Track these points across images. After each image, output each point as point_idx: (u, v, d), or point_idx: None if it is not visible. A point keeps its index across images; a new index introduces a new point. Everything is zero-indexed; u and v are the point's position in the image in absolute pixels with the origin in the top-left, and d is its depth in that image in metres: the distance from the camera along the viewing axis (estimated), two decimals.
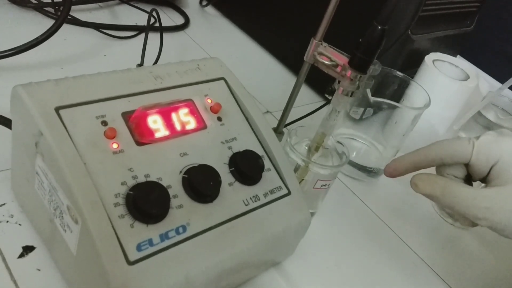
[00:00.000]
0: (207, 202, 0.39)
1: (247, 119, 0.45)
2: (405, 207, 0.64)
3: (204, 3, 0.92)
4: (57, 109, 0.35)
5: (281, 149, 0.46)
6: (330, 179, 0.51)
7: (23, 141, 0.38)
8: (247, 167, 0.42)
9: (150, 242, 0.34)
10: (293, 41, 0.78)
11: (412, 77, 0.69)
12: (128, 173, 0.36)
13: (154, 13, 0.74)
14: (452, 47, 0.87)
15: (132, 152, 0.37)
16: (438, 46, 0.80)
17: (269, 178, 0.44)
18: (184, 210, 0.37)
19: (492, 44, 1.00)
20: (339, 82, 0.47)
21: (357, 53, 0.44)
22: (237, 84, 0.46)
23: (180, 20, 0.84)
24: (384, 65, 0.62)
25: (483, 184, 0.44)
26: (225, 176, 0.41)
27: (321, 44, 0.49)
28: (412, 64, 0.75)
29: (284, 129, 0.58)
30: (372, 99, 0.58)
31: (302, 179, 0.50)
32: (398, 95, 0.66)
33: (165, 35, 0.72)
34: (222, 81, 0.46)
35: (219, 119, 0.43)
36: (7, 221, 0.42)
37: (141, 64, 0.65)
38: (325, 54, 0.48)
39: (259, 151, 0.44)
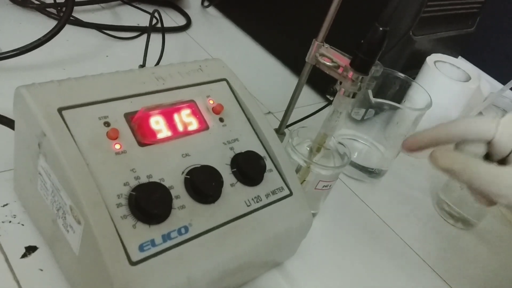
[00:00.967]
0: (209, 203, 0.39)
1: (249, 120, 0.45)
2: (406, 208, 0.64)
3: (206, 4, 0.92)
4: (60, 110, 0.36)
5: (283, 150, 0.46)
6: (332, 180, 0.51)
7: (26, 142, 0.38)
8: (249, 168, 0.42)
9: (153, 243, 0.35)
10: (295, 42, 0.78)
11: (414, 78, 0.69)
12: (131, 174, 0.36)
13: (156, 14, 0.74)
14: (454, 48, 0.87)
15: (134, 153, 0.37)
16: (439, 47, 0.80)
17: (270, 179, 0.44)
18: (186, 211, 0.37)
19: (493, 45, 1.00)
20: (340, 83, 0.47)
21: (359, 54, 0.44)
22: (239, 85, 0.47)
23: (182, 21, 0.84)
24: (385, 66, 0.62)
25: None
26: (227, 177, 0.41)
27: (323, 45, 0.49)
28: (413, 65, 0.75)
29: (286, 130, 0.58)
30: (374, 100, 0.58)
31: (304, 180, 0.50)
32: (399, 96, 0.66)
33: (167, 36, 0.72)
34: (224, 82, 0.46)
35: (221, 120, 0.43)
36: (10, 221, 0.42)
37: (143, 65, 0.65)
38: (326, 55, 0.48)
39: (261, 152, 0.44)
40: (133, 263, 0.33)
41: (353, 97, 0.47)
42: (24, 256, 0.40)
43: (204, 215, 0.38)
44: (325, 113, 0.50)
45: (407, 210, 0.63)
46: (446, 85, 0.68)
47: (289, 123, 0.59)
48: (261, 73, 0.80)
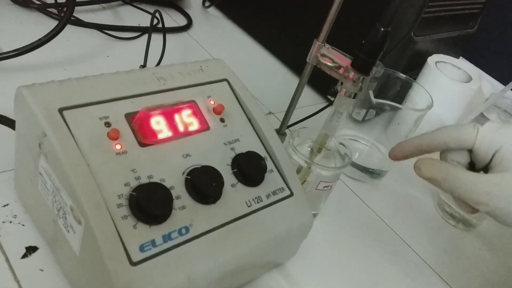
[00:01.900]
0: (210, 203, 0.39)
1: (249, 120, 0.45)
2: (407, 209, 0.64)
3: (207, 4, 0.92)
4: (60, 110, 0.36)
5: (284, 150, 0.46)
6: (333, 180, 0.51)
7: (27, 142, 0.38)
8: (249, 168, 0.42)
9: (153, 243, 0.35)
10: (296, 43, 0.78)
11: (415, 79, 0.69)
12: (131, 174, 0.36)
13: (157, 14, 0.74)
14: (455, 48, 0.87)
15: (135, 153, 0.37)
16: (440, 48, 0.80)
17: (271, 179, 0.44)
18: (187, 211, 0.37)
19: (495, 46, 1.00)
20: (341, 83, 0.47)
21: (360, 55, 0.44)
22: (240, 86, 0.47)
23: (182, 21, 0.84)
24: (386, 66, 0.62)
25: (481, 172, 0.45)
26: (228, 177, 0.41)
27: (324, 45, 0.49)
28: (414, 65, 0.75)
29: (287, 130, 0.58)
30: (375, 100, 0.58)
31: (305, 181, 0.50)
32: (400, 96, 0.66)
33: (168, 36, 0.72)
34: (225, 83, 0.46)
35: (222, 120, 0.43)
36: (11, 222, 0.42)
37: (144, 65, 0.65)
38: (327, 56, 0.48)
39: (262, 153, 0.44)
40: (133, 264, 0.33)
41: (354, 97, 0.47)
42: (24, 256, 0.40)
43: (205, 216, 0.38)
44: (326, 114, 0.50)
45: (408, 211, 0.63)
46: (447, 85, 0.68)
47: (290, 123, 0.59)
48: (262, 74, 0.80)
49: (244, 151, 0.43)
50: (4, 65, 0.58)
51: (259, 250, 0.41)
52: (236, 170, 0.41)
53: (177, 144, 0.40)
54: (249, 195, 0.41)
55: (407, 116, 0.63)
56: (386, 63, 0.62)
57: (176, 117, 0.41)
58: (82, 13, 0.75)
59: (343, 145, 0.53)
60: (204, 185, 0.38)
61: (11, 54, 0.56)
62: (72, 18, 0.62)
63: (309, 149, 0.52)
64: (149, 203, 0.35)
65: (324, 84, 0.70)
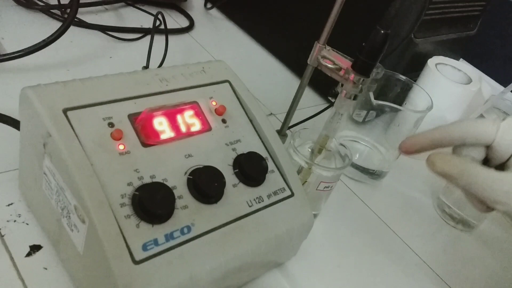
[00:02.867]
0: (212, 203, 0.39)
1: (251, 121, 0.46)
2: (407, 209, 0.64)
3: (209, 6, 0.93)
4: (65, 111, 0.36)
5: (285, 151, 0.46)
6: (333, 181, 0.51)
7: (31, 142, 0.39)
8: (251, 168, 0.42)
9: (156, 242, 0.35)
10: (297, 44, 0.79)
11: (415, 81, 0.69)
12: (134, 174, 0.36)
13: (159, 16, 0.75)
14: (455, 50, 0.87)
15: (138, 153, 0.38)
16: (441, 50, 0.80)
17: (272, 179, 0.44)
18: (189, 211, 0.38)
19: (494, 48, 1.00)
20: (342, 85, 0.47)
21: (360, 56, 0.45)
22: (242, 87, 0.47)
23: (185, 23, 0.85)
24: (387, 68, 0.63)
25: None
26: (229, 177, 0.41)
27: (325, 47, 0.49)
28: (415, 67, 0.75)
29: (288, 131, 0.59)
30: (375, 102, 0.59)
31: (305, 181, 0.50)
32: (400, 98, 0.66)
33: (170, 37, 0.73)
34: (227, 84, 0.46)
35: (224, 121, 0.44)
36: (15, 221, 0.43)
37: (146, 66, 0.65)
38: (328, 58, 0.48)
39: (263, 153, 0.44)
40: (136, 262, 0.34)
41: (355, 99, 0.47)
42: (28, 255, 0.41)
43: (207, 215, 0.38)
44: (327, 115, 0.50)
45: (408, 212, 0.64)
46: (447, 87, 0.69)
47: (291, 124, 0.59)
48: (264, 75, 0.80)
49: (245, 152, 0.43)
50: (8, 66, 0.58)
51: (260, 249, 0.41)
52: (237, 170, 0.42)
53: (179, 145, 0.40)
54: (250, 195, 0.42)
55: (407, 117, 0.63)
56: (386, 65, 0.63)
57: (179, 117, 0.41)
58: (85, 14, 0.75)
59: (344, 146, 0.53)
60: (206, 185, 0.39)
61: (15, 55, 0.56)
62: (75, 19, 0.62)
63: (309, 150, 0.52)
64: (152, 202, 0.35)
65: (324, 85, 0.70)
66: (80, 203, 0.34)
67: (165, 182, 0.37)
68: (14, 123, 0.47)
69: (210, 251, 0.37)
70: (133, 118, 0.39)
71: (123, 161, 0.37)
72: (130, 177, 0.36)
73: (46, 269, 0.40)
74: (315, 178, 0.50)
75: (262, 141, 0.45)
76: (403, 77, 0.65)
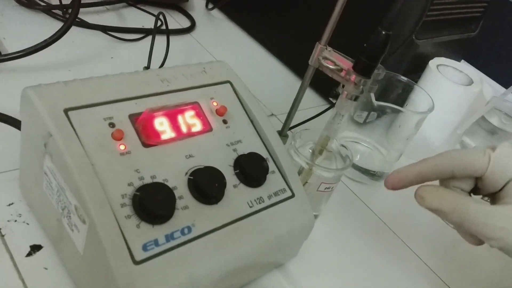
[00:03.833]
0: (212, 204, 0.39)
1: (252, 122, 0.46)
2: (409, 211, 0.64)
3: (210, 6, 0.93)
4: (66, 111, 0.36)
5: (286, 151, 0.46)
6: (334, 182, 0.51)
7: (32, 142, 0.39)
8: (251, 169, 0.42)
9: (156, 243, 0.35)
10: (298, 45, 0.79)
11: (416, 82, 0.69)
12: (135, 174, 0.36)
13: (161, 16, 0.75)
14: (456, 51, 0.87)
15: (138, 154, 0.38)
16: (442, 51, 0.80)
17: (273, 180, 0.44)
18: (189, 211, 0.38)
19: (496, 49, 1.00)
20: (343, 86, 0.47)
21: (361, 57, 0.45)
22: (243, 87, 0.47)
23: (186, 23, 0.85)
24: (388, 69, 0.63)
25: (485, 198, 0.42)
26: (230, 178, 0.41)
27: (326, 48, 0.49)
28: (416, 68, 0.75)
29: (289, 132, 0.59)
30: (376, 103, 0.59)
31: (306, 182, 0.50)
32: (402, 99, 0.66)
33: (171, 38, 0.73)
34: (228, 84, 0.46)
35: (225, 121, 0.44)
36: (15, 220, 0.43)
37: (148, 67, 0.65)
38: (329, 59, 0.48)
39: (264, 154, 0.44)
40: (136, 263, 0.34)
41: (356, 100, 0.47)
42: (29, 254, 0.41)
43: (207, 216, 0.38)
44: (328, 116, 0.50)
45: (409, 213, 0.64)
46: (449, 88, 0.69)
47: (292, 125, 0.59)
48: (265, 76, 0.80)
49: (246, 152, 0.43)
50: (10, 66, 0.58)
51: (261, 250, 0.41)
52: (238, 171, 0.42)
53: (180, 145, 0.40)
54: (251, 196, 0.42)
55: (408, 118, 0.63)
56: (387, 66, 0.63)
57: (179, 118, 0.41)
58: (87, 14, 0.75)
59: (345, 147, 0.53)
60: (206, 185, 0.39)
61: (16, 55, 0.56)
62: (77, 19, 0.63)
63: (310, 150, 0.52)
64: (152, 203, 0.35)
65: (326, 86, 0.70)
66: (80, 203, 0.34)
67: (165, 183, 0.37)
68: (15, 123, 0.48)
69: (210, 251, 0.37)
70: (134, 118, 0.39)
71: (124, 161, 0.37)
72: (130, 177, 0.36)
73: (46, 269, 0.40)
74: (316, 179, 0.50)
75: (263, 142, 0.45)
76: (404, 78, 0.65)
